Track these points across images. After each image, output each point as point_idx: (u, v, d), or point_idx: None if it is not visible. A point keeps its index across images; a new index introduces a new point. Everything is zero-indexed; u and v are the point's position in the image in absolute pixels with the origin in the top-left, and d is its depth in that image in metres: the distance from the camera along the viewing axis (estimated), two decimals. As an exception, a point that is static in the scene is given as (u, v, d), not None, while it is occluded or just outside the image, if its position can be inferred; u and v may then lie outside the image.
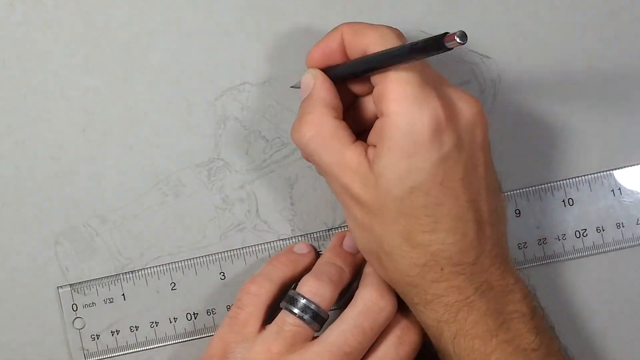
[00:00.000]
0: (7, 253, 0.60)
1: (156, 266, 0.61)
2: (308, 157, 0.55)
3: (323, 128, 0.53)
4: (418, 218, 0.51)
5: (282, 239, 0.61)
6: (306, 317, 0.54)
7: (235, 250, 0.61)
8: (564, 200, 0.62)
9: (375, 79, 0.52)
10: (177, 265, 0.61)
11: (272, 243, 0.61)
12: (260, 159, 0.61)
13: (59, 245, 0.60)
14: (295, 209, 0.61)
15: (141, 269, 0.61)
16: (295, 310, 0.54)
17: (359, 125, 0.56)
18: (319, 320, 0.55)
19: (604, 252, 0.62)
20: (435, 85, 0.51)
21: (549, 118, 0.62)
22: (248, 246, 0.61)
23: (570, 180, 0.62)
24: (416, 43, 0.48)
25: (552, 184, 0.62)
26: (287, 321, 0.54)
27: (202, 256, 0.61)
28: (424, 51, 0.48)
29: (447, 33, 0.46)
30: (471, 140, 0.52)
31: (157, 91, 0.60)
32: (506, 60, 0.61)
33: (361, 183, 0.52)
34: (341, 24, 0.54)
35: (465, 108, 0.52)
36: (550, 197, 0.62)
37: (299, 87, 0.56)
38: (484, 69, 0.61)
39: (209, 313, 0.61)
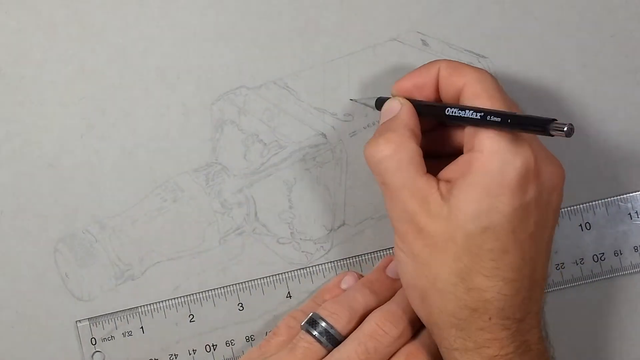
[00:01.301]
0: (6, 261, 0.60)
1: (174, 298, 0.61)
2: (377, 174, 0.53)
3: (402, 149, 0.52)
4: (482, 260, 0.51)
5: (300, 269, 0.61)
6: (323, 339, 0.55)
7: (253, 281, 0.61)
8: (580, 225, 0.62)
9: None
10: (195, 297, 0.61)
11: (289, 273, 0.61)
12: (258, 162, 0.61)
13: (58, 252, 0.60)
14: (294, 212, 0.61)
15: (159, 302, 0.61)
16: (315, 333, 0.55)
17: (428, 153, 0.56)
18: (334, 342, 0.55)
19: (622, 275, 0.62)
20: (527, 136, 0.51)
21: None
22: (266, 276, 0.61)
23: (587, 204, 0.62)
24: (519, 117, 0.49)
25: (568, 208, 0.62)
26: (303, 339, 0.55)
27: (220, 287, 0.61)
28: (523, 126, 0.49)
29: (555, 120, 0.47)
30: (548, 201, 0.52)
31: (153, 96, 0.60)
32: (502, 60, 0.61)
33: (429, 213, 0.51)
34: (436, 60, 0.55)
35: (551, 170, 0.52)
36: (567, 222, 0.62)
37: (359, 101, 0.57)
38: (480, 69, 0.61)
39: (227, 344, 0.61)
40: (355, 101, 0.61)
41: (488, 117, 0.50)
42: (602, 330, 0.62)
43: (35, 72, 0.60)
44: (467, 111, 0.52)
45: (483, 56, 0.61)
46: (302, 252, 0.61)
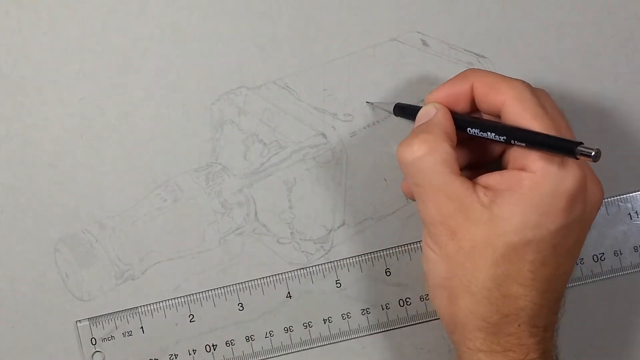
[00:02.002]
0: (6, 261, 0.60)
1: (174, 298, 0.61)
2: (410, 175, 0.53)
3: (437, 150, 0.52)
4: (520, 270, 0.51)
5: (300, 269, 0.61)
6: None
7: (253, 281, 0.61)
8: None
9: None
10: (195, 297, 0.61)
11: (289, 273, 0.61)
12: (258, 162, 0.61)
13: (58, 252, 0.60)
14: (294, 212, 0.61)
15: (159, 302, 0.61)
16: None
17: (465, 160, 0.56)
18: None
19: (621, 275, 0.62)
20: None
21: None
22: (266, 276, 0.61)
23: None
24: (546, 139, 0.49)
25: None
26: None
27: (220, 287, 0.61)
28: (550, 148, 0.49)
29: (582, 143, 0.48)
30: (588, 218, 0.53)
31: (153, 96, 0.60)
32: (502, 60, 0.61)
33: (467, 215, 0.51)
34: (470, 71, 0.54)
35: (594, 189, 0.53)
36: None
37: (377, 105, 0.57)
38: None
39: (227, 344, 0.61)
40: (372, 104, 0.61)
41: (512, 142, 0.51)
42: (603, 330, 0.63)
43: (35, 72, 0.60)
44: (489, 133, 0.52)
45: (483, 56, 0.61)
46: (302, 252, 0.61)
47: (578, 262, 0.62)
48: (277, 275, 0.61)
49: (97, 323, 0.60)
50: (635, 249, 0.62)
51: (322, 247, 0.61)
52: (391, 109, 0.60)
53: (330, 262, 0.61)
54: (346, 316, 0.62)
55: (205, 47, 0.61)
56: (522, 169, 0.51)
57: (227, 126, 0.61)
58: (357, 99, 0.61)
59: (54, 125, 0.60)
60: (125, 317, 0.61)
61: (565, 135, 0.52)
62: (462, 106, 0.54)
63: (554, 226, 0.50)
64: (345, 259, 0.62)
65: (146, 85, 0.60)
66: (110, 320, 0.60)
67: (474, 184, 0.52)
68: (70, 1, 0.60)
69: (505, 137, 0.51)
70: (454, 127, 0.53)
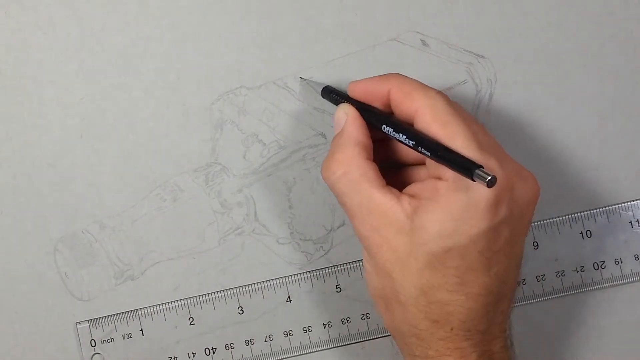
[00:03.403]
0: (6, 261, 0.60)
1: (174, 301, 0.61)
2: (337, 196, 0.54)
3: (352, 168, 0.52)
4: (445, 276, 0.51)
5: (300, 273, 0.61)
6: None
7: (253, 285, 0.61)
8: (582, 232, 0.62)
9: None
10: (194, 300, 0.61)
11: (290, 277, 0.61)
12: (257, 162, 0.61)
13: (58, 252, 0.60)
14: (293, 212, 0.61)
15: (159, 304, 0.61)
16: None
17: (390, 160, 0.56)
18: None
19: (622, 284, 0.62)
20: (494, 154, 0.51)
21: (546, 117, 0.61)
22: (266, 280, 0.61)
23: (588, 212, 0.62)
24: (449, 153, 0.49)
25: (569, 216, 0.62)
26: None
27: (220, 290, 0.61)
28: (450, 163, 0.49)
29: (481, 167, 0.47)
30: (520, 216, 0.52)
31: (153, 96, 0.60)
32: (502, 60, 0.61)
33: (390, 227, 0.51)
34: (391, 75, 0.54)
35: (523, 186, 0.52)
36: (568, 229, 0.62)
37: (309, 82, 0.56)
38: (479, 69, 0.61)
39: (227, 348, 0.61)
40: (304, 80, 0.60)
41: (419, 148, 0.50)
42: (602, 337, 0.62)
43: (35, 72, 0.60)
44: (400, 135, 0.52)
45: (483, 56, 0.61)
46: (302, 252, 0.61)
47: (578, 270, 0.62)
48: (277, 279, 0.61)
49: (97, 325, 0.60)
50: (636, 257, 0.62)
51: (322, 247, 0.61)
52: (320, 90, 0.59)
53: (332, 266, 0.61)
54: (346, 321, 0.62)
55: (205, 47, 0.60)
56: (438, 177, 0.51)
57: (227, 126, 0.61)
58: (357, 99, 0.61)
59: (54, 125, 0.60)
60: (124, 319, 0.61)
61: (475, 145, 0.50)
62: (380, 106, 0.54)
63: (473, 231, 0.50)
64: (347, 263, 0.61)
65: (146, 85, 0.60)
66: (109, 322, 0.61)
67: (400, 194, 0.52)
68: (70, 1, 0.60)
69: (414, 142, 0.51)
70: (366, 132, 0.54)
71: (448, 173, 0.50)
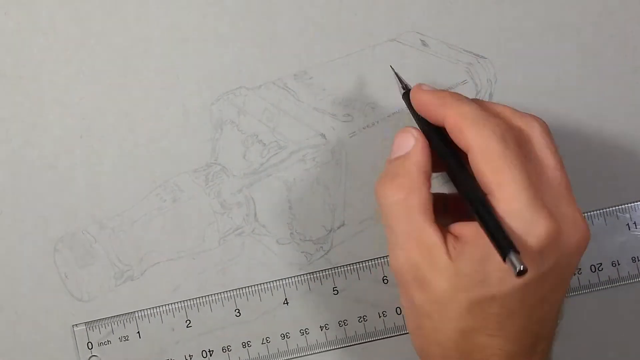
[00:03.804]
0: (6, 261, 0.60)
1: (171, 303, 0.61)
2: (384, 217, 0.51)
3: (413, 197, 0.50)
4: (486, 321, 0.49)
5: (297, 275, 0.61)
6: None
7: (250, 287, 0.61)
8: None
9: (483, 188, 0.49)
10: (192, 302, 0.61)
11: (287, 280, 0.61)
12: (257, 162, 0.61)
13: (58, 252, 0.60)
14: (293, 212, 0.61)
15: (156, 307, 0.61)
16: None
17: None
18: None
19: (619, 286, 0.62)
20: (550, 198, 0.48)
21: (545, 118, 0.61)
22: (263, 283, 0.61)
23: (585, 214, 0.61)
24: (493, 225, 0.47)
25: None
26: None
27: (217, 293, 0.61)
28: (490, 235, 0.47)
29: (518, 253, 0.45)
30: (566, 265, 0.50)
31: (153, 97, 0.60)
32: (502, 60, 0.61)
33: (433, 267, 0.49)
34: (449, 101, 0.50)
35: (573, 233, 0.49)
36: None
37: (397, 74, 0.55)
38: (479, 69, 0.61)
39: (224, 350, 0.61)
40: (393, 70, 0.58)
41: (471, 208, 0.48)
42: (599, 340, 0.62)
43: (35, 72, 0.60)
44: (460, 187, 0.50)
45: (483, 56, 0.61)
46: (302, 252, 0.61)
47: (575, 273, 0.62)
48: (274, 282, 0.61)
49: (94, 327, 0.60)
50: (633, 259, 0.62)
51: (322, 247, 0.61)
52: (402, 88, 0.57)
53: (330, 268, 0.61)
54: (343, 323, 0.62)
55: (205, 47, 0.61)
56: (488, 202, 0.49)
57: (227, 126, 0.61)
58: (357, 99, 0.61)
59: (53, 125, 0.60)
60: (122, 321, 0.61)
61: (524, 195, 0.47)
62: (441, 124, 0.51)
63: (518, 281, 0.48)
64: (344, 266, 0.61)
65: (146, 85, 0.60)
66: (106, 325, 0.60)
67: (446, 232, 0.50)
68: (70, 1, 0.60)
69: (469, 201, 0.49)
70: (430, 162, 0.51)
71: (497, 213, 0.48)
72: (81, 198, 0.60)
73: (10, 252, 0.60)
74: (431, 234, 0.49)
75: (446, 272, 0.49)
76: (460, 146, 0.50)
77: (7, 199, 0.60)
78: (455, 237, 0.49)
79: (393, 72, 0.58)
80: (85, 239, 0.60)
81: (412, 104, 0.53)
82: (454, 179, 0.51)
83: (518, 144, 0.49)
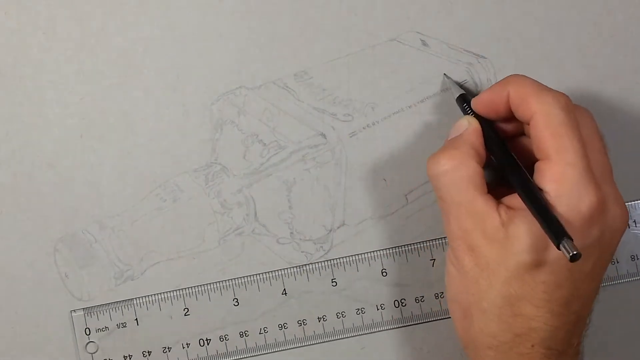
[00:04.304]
0: (6, 261, 0.60)
1: (170, 291, 0.61)
2: (435, 189, 0.53)
3: (463, 166, 0.52)
4: (533, 290, 0.50)
5: (295, 266, 0.61)
6: None
7: (249, 277, 0.61)
8: None
9: (538, 155, 0.51)
10: (190, 290, 0.61)
11: (285, 270, 0.61)
12: (257, 162, 0.61)
13: (58, 252, 0.60)
14: (293, 212, 0.61)
15: (154, 294, 0.61)
16: None
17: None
18: None
19: (618, 284, 0.62)
20: (597, 175, 0.50)
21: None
22: (261, 273, 0.61)
23: None
24: (546, 212, 0.48)
25: None
26: None
27: (216, 282, 0.61)
28: (543, 221, 0.48)
29: (571, 240, 0.47)
30: (609, 242, 0.52)
31: (153, 96, 0.60)
32: (502, 60, 0.61)
33: (484, 234, 0.51)
34: (511, 77, 0.53)
35: (618, 213, 0.51)
36: None
37: (452, 80, 0.58)
38: (480, 69, 0.61)
39: (221, 339, 0.61)
40: (448, 78, 0.60)
41: (522, 195, 0.50)
42: (598, 338, 0.62)
43: (35, 72, 0.60)
44: (511, 175, 0.52)
45: (483, 56, 0.61)
46: (302, 252, 0.61)
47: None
48: (273, 272, 0.61)
49: (92, 314, 0.60)
50: (632, 257, 0.62)
51: (322, 247, 0.61)
52: (457, 94, 0.59)
53: (327, 260, 0.61)
54: (341, 315, 0.62)
55: (205, 47, 0.60)
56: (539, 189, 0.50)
57: (227, 126, 0.61)
58: (357, 99, 0.61)
59: (53, 125, 0.60)
60: (120, 308, 0.61)
61: (582, 164, 0.50)
62: (503, 113, 0.54)
63: None
64: (342, 257, 0.61)
65: (146, 85, 0.60)
66: (104, 312, 0.60)
67: (499, 203, 0.51)
68: (70, 1, 0.60)
69: (520, 186, 0.51)
70: (483, 146, 0.53)
71: (549, 186, 0.50)
72: (81, 198, 0.60)
73: (10, 252, 0.60)
74: (483, 202, 0.51)
75: (497, 236, 0.50)
76: (522, 117, 0.52)
77: (7, 199, 0.60)
78: (507, 206, 0.51)
79: (447, 79, 0.60)
80: (85, 238, 0.60)
81: (474, 105, 0.55)
82: (505, 166, 0.52)
83: (576, 118, 0.51)
